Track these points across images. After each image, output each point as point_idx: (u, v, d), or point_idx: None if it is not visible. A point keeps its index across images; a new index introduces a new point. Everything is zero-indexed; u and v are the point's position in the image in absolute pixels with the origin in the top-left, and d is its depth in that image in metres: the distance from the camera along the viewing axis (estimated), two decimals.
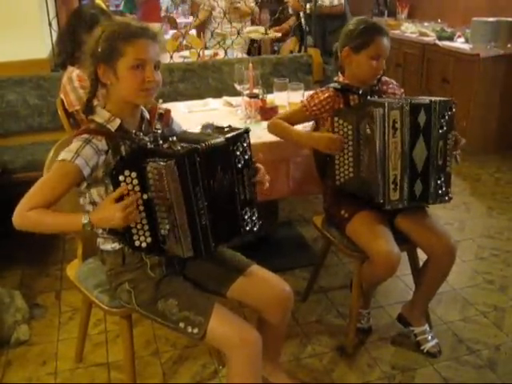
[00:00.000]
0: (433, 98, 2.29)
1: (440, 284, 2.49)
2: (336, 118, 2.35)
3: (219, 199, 1.83)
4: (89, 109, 1.88)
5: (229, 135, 1.86)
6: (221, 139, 1.83)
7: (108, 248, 1.97)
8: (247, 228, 1.93)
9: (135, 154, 1.78)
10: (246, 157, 1.90)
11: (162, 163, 1.69)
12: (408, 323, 2.60)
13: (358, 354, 2.58)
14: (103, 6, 3.87)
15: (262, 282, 2.01)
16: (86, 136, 1.79)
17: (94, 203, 1.88)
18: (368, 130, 2.27)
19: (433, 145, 2.28)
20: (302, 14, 5.41)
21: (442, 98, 2.30)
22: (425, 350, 2.55)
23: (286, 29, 6.09)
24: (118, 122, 1.85)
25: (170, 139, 1.80)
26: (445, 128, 2.29)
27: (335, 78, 2.54)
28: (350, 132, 2.33)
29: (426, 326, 2.59)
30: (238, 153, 1.87)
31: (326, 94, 2.47)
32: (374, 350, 2.61)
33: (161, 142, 1.83)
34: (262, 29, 5.84)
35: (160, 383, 2.44)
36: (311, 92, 2.54)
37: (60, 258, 3.46)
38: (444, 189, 2.35)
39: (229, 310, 1.88)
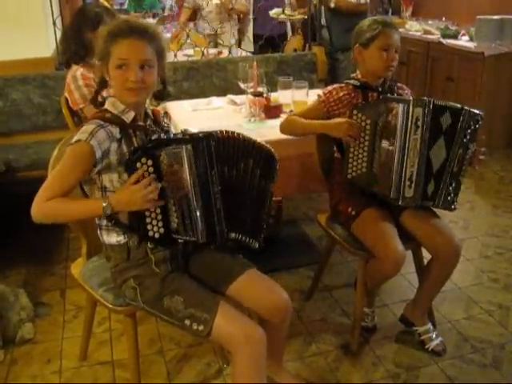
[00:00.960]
0: (463, 106, 2.31)
1: (443, 283, 2.48)
2: (355, 111, 2.36)
3: (241, 189, 1.93)
4: (97, 101, 1.94)
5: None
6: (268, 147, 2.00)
7: (113, 242, 1.98)
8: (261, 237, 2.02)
9: (152, 143, 1.83)
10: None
11: (179, 146, 1.76)
12: (411, 323, 2.59)
13: (363, 353, 2.58)
14: (107, 4, 3.88)
15: (258, 288, 2.01)
16: (100, 122, 1.83)
17: (104, 189, 1.90)
18: (387, 125, 2.28)
19: (453, 150, 2.30)
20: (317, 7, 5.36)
21: (473, 109, 2.31)
22: (430, 349, 2.54)
23: None
24: (132, 114, 1.90)
25: (183, 130, 1.89)
26: (468, 137, 2.30)
27: (353, 75, 2.55)
28: (367, 126, 2.34)
29: (429, 325, 2.58)
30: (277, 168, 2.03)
31: (346, 91, 2.48)
32: (378, 349, 2.60)
33: (172, 134, 1.93)
34: (287, 11, 5.72)
35: (164, 382, 2.44)
36: (329, 87, 2.54)
37: (64, 256, 3.46)
38: (452, 196, 2.36)
39: (234, 307, 1.88)
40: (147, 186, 1.75)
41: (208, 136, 1.81)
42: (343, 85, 2.51)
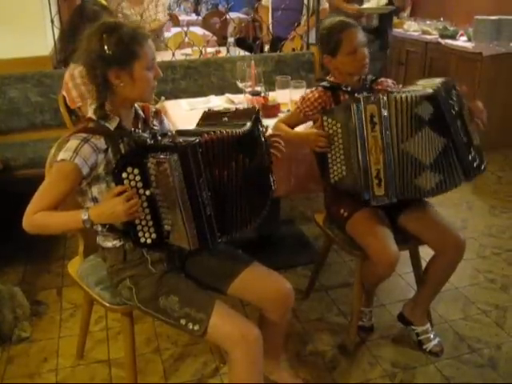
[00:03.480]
0: (434, 86, 2.26)
1: (445, 281, 2.47)
2: (325, 117, 2.34)
3: (236, 186, 1.89)
4: (103, 114, 1.85)
5: (253, 122, 1.98)
6: (247, 127, 1.94)
7: (109, 245, 1.98)
8: (273, 189, 2.11)
9: (136, 151, 1.79)
10: (263, 131, 2.06)
11: (164, 157, 1.71)
12: (409, 322, 2.59)
13: (360, 352, 2.58)
14: (105, 3, 3.87)
15: (263, 280, 2.02)
16: (84, 135, 1.79)
17: (95, 200, 1.88)
18: (352, 126, 2.25)
19: (453, 129, 2.26)
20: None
21: (441, 82, 2.28)
22: (427, 350, 2.55)
23: None
24: (116, 120, 1.86)
25: (170, 134, 1.84)
26: (456, 108, 2.27)
27: (327, 77, 2.54)
28: (339, 130, 2.31)
29: (428, 325, 2.58)
30: (260, 133, 2.02)
31: (317, 95, 2.48)
32: (375, 348, 2.61)
33: (160, 138, 1.86)
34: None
35: (161, 382, 2.44)
36: (303, 94, 2.55)
37: (61, 254, 3.46)
38: (478, 161, 2.32)
39: (230, 307, 1.88)
40: (130, 199, 1.70)
41: (194, 144, 1.75)
42: (314, 89, 2.51)
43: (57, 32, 4.16)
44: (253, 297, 2.03)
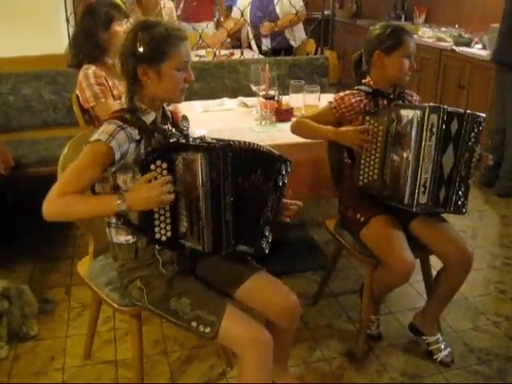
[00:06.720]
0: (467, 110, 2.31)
1: (455, 292, 2.47)
2: (368, 117, 2.35)
3: (248, 200, 1.87)
4: (133, 107, 1.88)
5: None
6: (274, 152, 1.93)
7: (121, 241, 1.97)
8: (262, 245, 1.94)
9: (168, 146, 1.83)
10: (286, 181, 1.96)
11: (195, 153, 1.73)
12: (420, 332, 2.58)
13: (367, 360, 2.57)
14: (120, 1, 3.86)
15: (269, 289, 2.01)
16: (120, 122, 1.81)
17: (117, 188, 1.88)
18: (400, 132, 2.27)
19: (460, 154, 2.29)
20: None
21: (475, 112, 2.31)
22: (438, 360, 2.53)
23: None
24: (153, 115, 1.90)
25: (201, 135, 1.88)
26: (472, 141, 2.30)
27: (363, 81, 2.53)
28: (380, 133, 2.32)
29: (439, 335, 2.56)
30: (284, 172, 1.94)
31: (358, 98, 2.47)
32: (383, 357, 2.59)
33: (191, 138, 1.91)
34: None
35: (167, 383, 2.43)
36: (341, 94, 2.51)
37: (70, 253, 3.46)
38: (462, 200, 2.35)
39: (241, 310, 1.88)
40: (164, 185, 1.73)
41: (226, 146, 1.78)
42: (355, 91, 2.49)
43: (71, 31, 4.17)
44: (258, 306, 2.01)
